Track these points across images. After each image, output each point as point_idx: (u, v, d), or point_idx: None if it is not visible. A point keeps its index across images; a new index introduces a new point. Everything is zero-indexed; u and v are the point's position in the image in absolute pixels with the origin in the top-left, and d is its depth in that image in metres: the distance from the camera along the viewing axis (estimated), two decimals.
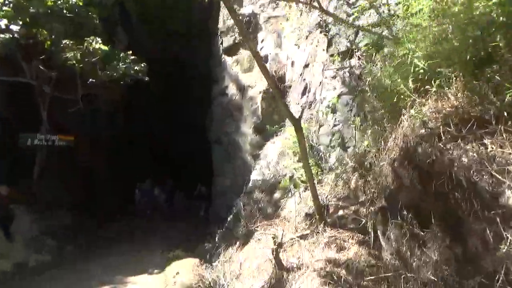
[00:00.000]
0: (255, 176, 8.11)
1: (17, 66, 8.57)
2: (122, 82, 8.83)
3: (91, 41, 7.95)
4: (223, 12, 11.00)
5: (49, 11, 7.38)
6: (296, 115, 5.28)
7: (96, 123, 12.54)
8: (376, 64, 4.42)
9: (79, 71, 8.20)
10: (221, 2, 10.74)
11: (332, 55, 6.33)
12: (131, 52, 8.70)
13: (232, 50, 10.96)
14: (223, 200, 10.38)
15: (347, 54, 6.02)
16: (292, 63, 8.86)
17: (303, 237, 4.88)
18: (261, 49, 10.07)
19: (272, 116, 9.57)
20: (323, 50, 6.87)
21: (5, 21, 6.06)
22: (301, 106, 7.50)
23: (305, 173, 5.21)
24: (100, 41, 7.99)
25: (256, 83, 10.20)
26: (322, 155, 6.36)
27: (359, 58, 5.68)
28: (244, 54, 10.66)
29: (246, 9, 10.55)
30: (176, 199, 15.26)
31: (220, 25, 11.40)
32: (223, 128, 10.93)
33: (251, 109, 10.06)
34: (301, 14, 8.24)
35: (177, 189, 15.57)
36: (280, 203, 6.52)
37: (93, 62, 8.03)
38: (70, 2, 7.65)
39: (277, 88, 7.06)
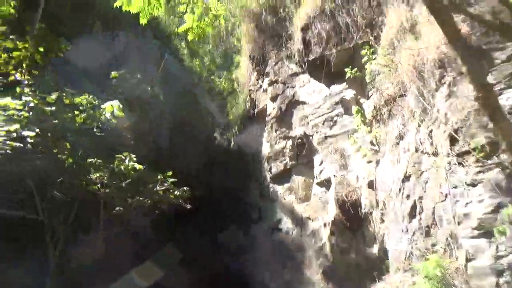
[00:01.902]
0: None
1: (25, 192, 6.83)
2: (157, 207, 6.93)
3: (124, 157, 6.41)
4: (271, 135, 9.74)
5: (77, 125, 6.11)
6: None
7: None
8: None
9: (104, 197, 6.45)
10: (271, 126, 9.65)
11: (464, 153, 4.44)
12: (171, 173, 7.04)
13: (282, 178, 9.26)
14: None
15: (493, 145, 4.15)
16: (371, 184, 6.95)
17: None
18: (320, 172, 8.36)
19: (347, 255, 7.17)
20: (436, 153, 5.03)
21: (16, 126, 4.64)
22: (410, 236, 5.25)
23: None
24: (134, 158, 6.43)
25: (317, 213, 8.13)
26: None
27: None
28: (298, 181, 8.91)
29: (296, 131, 9.28)
30: None
31: (266, 150, 10.03)
32: (277, 277, 8.34)
33: (315, 248, 7.71)
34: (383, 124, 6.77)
35: None
36: None
37: (123, 187, 6.34)
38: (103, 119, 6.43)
39: None
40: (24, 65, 6.15)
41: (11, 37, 5.70)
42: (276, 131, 9.61)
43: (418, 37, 5.67)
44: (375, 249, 6.86)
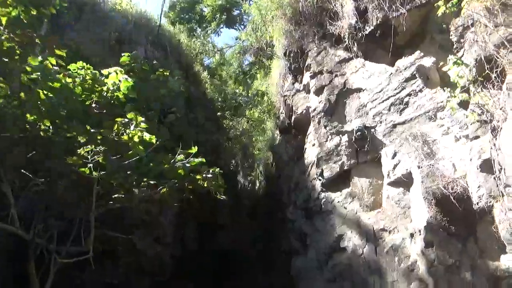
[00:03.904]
0: None
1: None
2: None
3: (126, 121, 4.38)
4: (319, 132, 7.74)
5: None
6: None
7: None
8: None
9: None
10: (318, 121, 7.72)
11: None
12: (195, 148, 4.93)
13: (339, 182, 7.11)
14: None
15: None
16: (486, 166, 4.78)
17: None
18: (394, 168, 6.22)
19: (457, 276, 4.80)
20: None
21: None
22: None
23: None
24: (143, 124, 4.38)
25: (396, 222, 5.88)
26: None
27: None
28: (361, 184, 6.74)
29: (351, 125, 7.30)
30: None
31: (313, 152, 7.99)
32: None
33: (400, 270, 5.36)
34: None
35: None
36: None
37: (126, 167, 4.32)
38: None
39: None
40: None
41: None
42: (325, 127, 7.64)
43: None
44: (504, 263, 4.53)
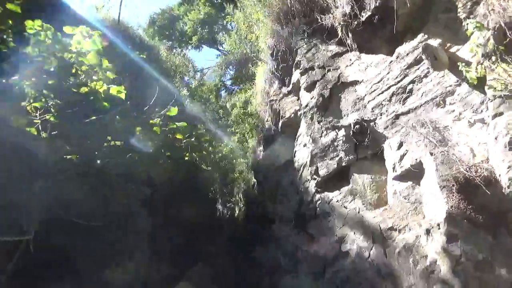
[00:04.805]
0: None
1: None
2: None
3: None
4: (313, 128, 6.98)
5: None
6: None
7: None
8: None
9: None
10: (311, 117, 7.00)
11: None
12: None
13: (337, 180, 6.29)
14: None
15: None
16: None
17: None
18: (401, 160, 5.49)
19: (490, 274, 3.97)
20: None
21: None
22: None
23: None
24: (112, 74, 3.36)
25: (406, 219, 5.06)
26: None
27: None
28: (362, 181, 5.94)
29: (348, 119, 6.61)
30: None
31: (305, 152, 7.18)
32: None
33: (417, 272, 4.48)
34: None
35: None
36: None
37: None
38: None
39: None
40: None
41: None
42: (319, 122, 6.92)
43: None
44: None
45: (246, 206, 17.60)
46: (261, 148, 13.08)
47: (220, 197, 25.06)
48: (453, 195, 4.40)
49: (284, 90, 9.50)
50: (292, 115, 8.74)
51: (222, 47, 17.31)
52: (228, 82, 17.03)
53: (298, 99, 8.71)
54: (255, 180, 15.76)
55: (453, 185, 4.38)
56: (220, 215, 23.50)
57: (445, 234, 4.31)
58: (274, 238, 9.59)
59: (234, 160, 20.99)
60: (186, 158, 4.92)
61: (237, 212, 21.49)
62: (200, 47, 18.22)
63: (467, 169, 4.42)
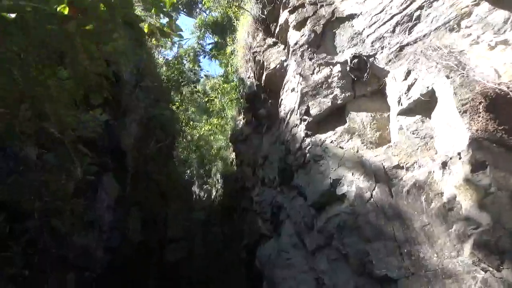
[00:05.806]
0: None
1: None
2: None
3: None
4: (303, 66, 6.07)
5: None
6: None
7: None
8: None
9: None
10: (301, 55, 6.12)
11: None
12: None
13: (331, 120, 5.42)
14: None
15: None
16: None
17: None
18: (408, 90, 4.67)
19: None
20: None
21: None
22: None
23: None
24: None
25: (415, 155, 4.25)
26: None
27: None
28: (361, 119, 5.11)
29: (344, 55, 5.74)
30: None
31: (295, 94, 6.28)
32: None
33: (431, 212, 3.68)
34: None
35: None
36: None
37: None
38: None
39: None
40: None
41: None
42: (311, 59, 6.02)
43: None
44: None
45: (225, 183, 16.76)
46: (241, 116, 12.18)
47: (196, 179, 24.04)
48: (478, 116, 3.61)
49: (269, 41, 8.57)
50: (278, 65, 7.83)
51: (200, 6, 16.12)
52: (208, 47, 15.87)
53: (284, 48, 7.81)
54: (233, 155, 14.91)
55: (480, 103, 3.59)
56: (196, 198, 22.54)
57: (468, 163, 3.52)
58: (254, 204, 8.75)
59: (212, 137, 20.05)
60: None
61: (214, 193, 20.58)
62: (177, 13, 16.94)
63: (497, 84, 3.63)
